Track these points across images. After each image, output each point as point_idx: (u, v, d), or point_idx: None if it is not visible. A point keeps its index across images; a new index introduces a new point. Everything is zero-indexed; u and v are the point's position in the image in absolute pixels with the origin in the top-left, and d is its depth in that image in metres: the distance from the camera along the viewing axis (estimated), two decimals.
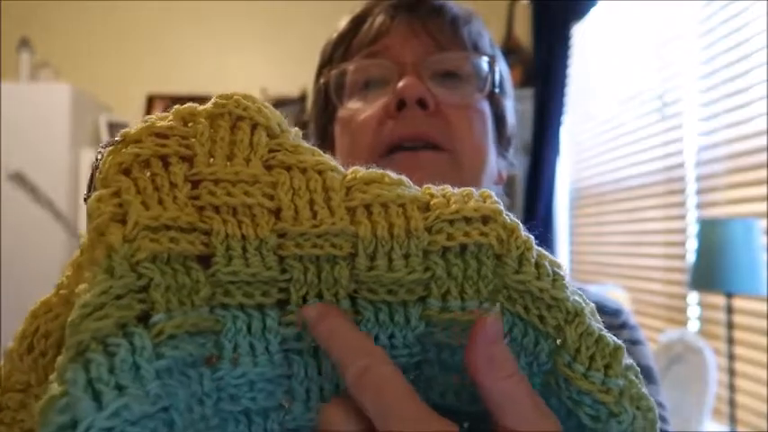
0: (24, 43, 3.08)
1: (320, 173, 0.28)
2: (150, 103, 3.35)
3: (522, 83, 3.01)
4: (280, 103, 3.24)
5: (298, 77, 3.10)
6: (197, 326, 0.26)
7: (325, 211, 0.27)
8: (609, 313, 0.56)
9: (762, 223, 1.51)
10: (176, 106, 0.29)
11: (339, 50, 0.56)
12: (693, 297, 1.89)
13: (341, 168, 0.29)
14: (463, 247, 0.27)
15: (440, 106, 0.52)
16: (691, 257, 1.65)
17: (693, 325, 1.87)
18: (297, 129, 0.30)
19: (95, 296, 0.23)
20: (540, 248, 0.28)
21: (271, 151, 0.28)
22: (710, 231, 1.53)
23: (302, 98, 3.19)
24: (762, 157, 1.58)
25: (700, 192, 1.88)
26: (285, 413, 0.27)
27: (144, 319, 0.24)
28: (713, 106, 1.81)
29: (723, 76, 1.76)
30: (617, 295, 2.09)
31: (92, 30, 3.38)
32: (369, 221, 0.27)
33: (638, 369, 0.27)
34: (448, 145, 0.51)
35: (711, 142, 1.82)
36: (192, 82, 3.35)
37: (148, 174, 0.27)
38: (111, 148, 0.28)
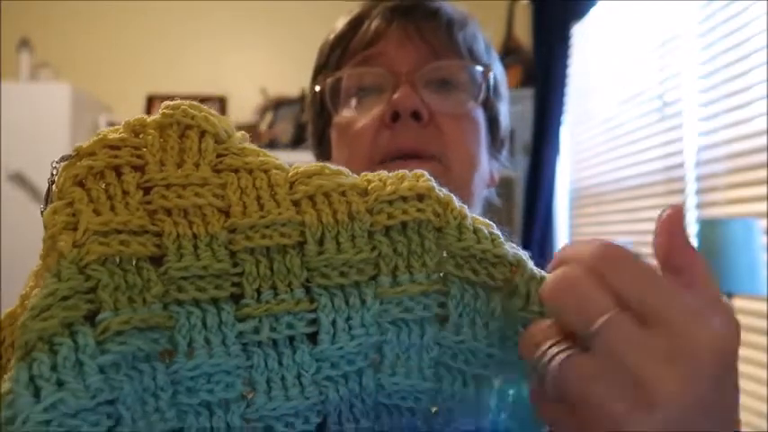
0: (24, 43, 3.08)
1: (265, 171, 0.30)
2: (150, 102, 3.35)
3: (522, 83, 3.01)
4: (280, 103, 3.25)
5: (298, 77, 3.10)
6: (147, 322, 0.27)
7: (272, 203, 0.29)
8: None
9: (762, 223, 1.51)
10: (126, 119, 0.30)
11: (335, 54, 0.57)
12: None
13: (286, 166, 0.31)
14: (404, 225, 0.30)
15: (433, 116, 0.53)
16: None
17: None
18: (243, 132, 0.33)
19: (42, 298, 0.25)
20: (473, 215, 0.30)
21: (219, 156, 0.30)
22: (710, 231, 1.53)
23: (302, 98, 3.19)
24: (762, 157, 1.58)
25: (700, 192, 1.88)
26: (247, 404, 0.28)
27: (93, 318, 0.26)
28: (713, 106, 1.81)
29: (723, 76, 1.76)
30: None
31: (92, 30, 3.38)
32: (314, 210, 0.29)
33: None
34: (439, 154, 0.53)
35: (711, 142, 1.82)
36: (192, 82, 3.35)
37: (103, 184, 0.28)
38: (65, 162, 0.29)
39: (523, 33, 3.11)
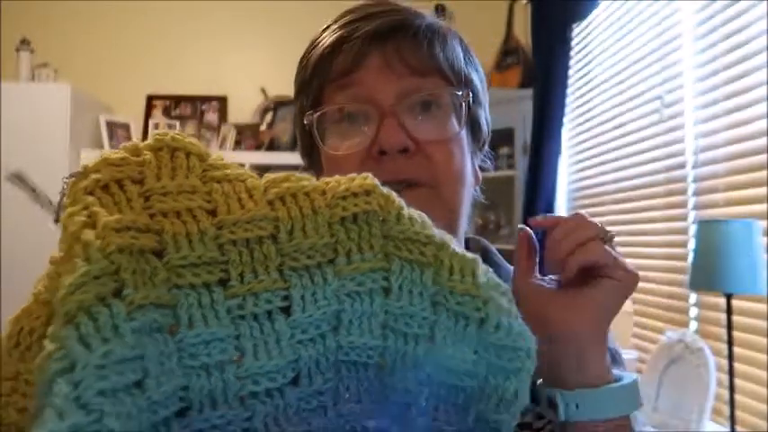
0: (24, 43, 3.08)
1: (242, 180, 0.38)
2: (150, 102, 3.35)
3: (522, 83, 3.01)
4: (280, 103, 3.25)
5: None
6: (158, 300, 0.33)
7: (251, 203, 0.36)
8: None
9: (761, 224, 1.51)
10: (123, 144, 0.37)
11: (317, 78, 0.58)
12: (693, 297, 1.89)
13: (256, 176, 0.38)
14: (355, 216, 0.38)
15: (420, 145, 0.55)
16: (691, 258, 1.65)
17: (693, 325, 1.88)
18: (219, 153, 0.39)
19: (78, 277, 0.30)
20: (408, 208, 0.39)
21: (203, 171, 0.37)
22: (710, 232, 1.53)
23: None
24: (761, 158, 1.58)
25: (699, 192, 1.88)
26: (237, 366, 0.35)
27: (117, 294, 0.31)
28: (713, 107, 1.81)
29: (723, 78, 1.76)
30: None
31: (92, 30, 3.38)
32: (284, 207, 0.37)
33: (491, 269, 0.39)
34: (429, 180, 0.56)
35: (711, 143, 1.82)
36: (192, 82, 3.35)
37: (108, 194, 0.35)
38: (74, 179, 0.35)
39: (523, 33, 3.11)
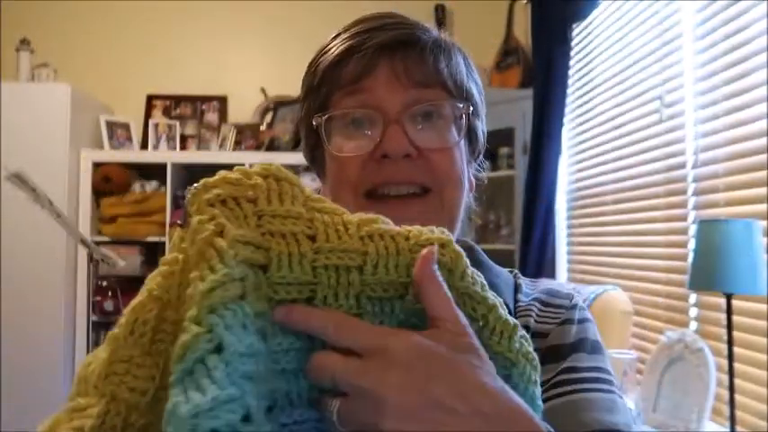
0: (24, 43, 3.08)
1: (339, 214, 0.43)
2: (150, 103, 3.35)
3: (522, 83, 3.01)
4: (280, 103, 3.25)
5: (298, 77, 3.09)
6: (263, 310, 0.38)
7: (346, 236, 0.41)
8: (563, 296, 0.66)
9: (761, 224, 1.51)
10: (236, 167, 0.42)
11: (326, 84, 0.62)
12: (693, 297, 1.89)
13: (348, 211, 0.43)
14: None
15: (421, 151, 0.59)
16: (691, 258, 1.65)
17: (693, 325, 1.87)
18: (311, 189, 0.44)
19: (220, 276, 0.35)
20: (471, 268, 0.44)
21: (305, 200, 0.42)
22: (710, 232, 1.53)
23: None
24: (762, 158, 1.58)
25: (699, 192, 1.88)
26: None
27: (244, 297, 0.36)
28: (713, 107, 1.81)
29: (723, 78, 1.76)
30: (617, 295, 2.09)
31: (92, 30, 3.38)
32: (373, 244, 0.42)
33: (528, 336, 0.44)
34: (431, 184, 0.60)
35: (711, 143, 1.82)
36: (192, 82, 3.36)
37: (227, 209, 0.39)
38: (195, 191, 0.40)
39: (523, 33, 3.11)
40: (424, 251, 0.42)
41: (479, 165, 0.70)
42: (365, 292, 0.41)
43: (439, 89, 0.60)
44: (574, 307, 0.65)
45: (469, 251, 0.65)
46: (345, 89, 0.60)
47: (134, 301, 0.41)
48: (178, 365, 0.33)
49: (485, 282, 0.44)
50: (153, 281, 0.42)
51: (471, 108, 0.63)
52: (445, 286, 0.41)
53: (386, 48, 0.59)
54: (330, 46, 0.63)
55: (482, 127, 0.67)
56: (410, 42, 0.60)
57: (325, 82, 0.62)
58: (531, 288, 0.69)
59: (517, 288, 0.67)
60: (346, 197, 0.60)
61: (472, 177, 0.67)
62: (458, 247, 0.44)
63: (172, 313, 0.40)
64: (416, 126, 0.60)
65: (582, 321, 0.64)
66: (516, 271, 0.71)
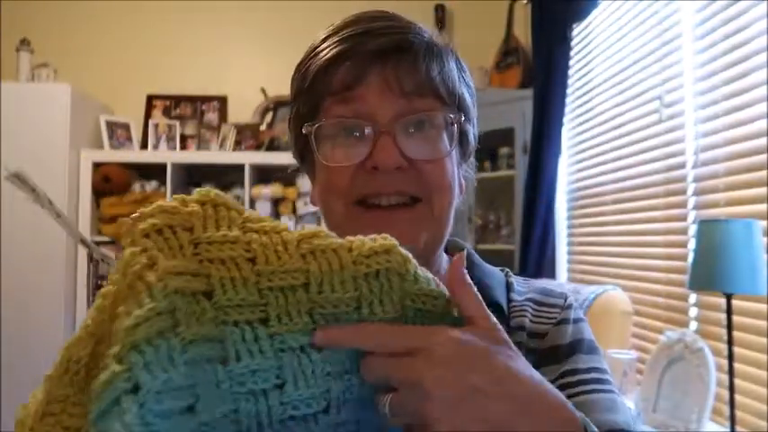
0: (24, 43, 3.08)
1: (278, 232, 0.43)
2: (150, 103, 3.35)
3: (522, 83, 3.01)
4: (279, 103, 3.25)
5: None
6: (207, 336, 0.38)
7: (286, 255, 0.42)
8: (556, 296, 0.67)
9: (761, 224, 1.51)
10: (174, 195, 0.43)
11: (314, 92, 0.60)
12: (693, 297, 1.89)
13: (290, 227, 0.43)
14: (377, 272, 0.43)
15: (413, 162, 0.58)
16: (691, 258, 1.65)
17: (693, 325, 1.87)
18: (251, 210, 0.45)
19: (145, 311, 0.36)
20: (419, 267, 0.44)
21: (242, 223, 0.43)
22: (710, 232, 1.53)
23: None
24: (762, 158, 1.58)
25: (699, 192, 1.88)
26: (281, 392, 0.40)
27: (173, 330, 0.37)
28: (713, 107, 1.81)
29: (723, 78, 1.76)
30: (617, 295, 2.09)
31: (92, 30, 3.38)
32: (315, 261, 0.42)
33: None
34: (421, 194, 0.59)
35: (711, 143, 1.82)
36: (192, 82, 3.36)
37: (163, 238, 0.40)
38: (130, 221, 0.40)
39: (523, 33, 3.11)
40: (455, 257, 0.45)
41: (469, 167, 0.69)
42: (316, 309, 0.42)
43: (431, 98, 0.59)
44: (569, 307, 0.66)
45: (461, 252, 0.67)
46: (336, 97, 0.59)
47: (70, 338, 0.41)
48: (95, 405, 0.34)
49: (430, 275, 0.45)
50: (90, 315, 0.42)
51: (463, 116, 0.62)
52: (475, 288, 0.44)
53: (378, 54, 0.58)
54: (321, 48, 0.61)
55: (474, 131, 0.66)
56: (403, 48, 0.58)
57: (315, 86, 0.60)
58: (524, 287, 0.69)
59: (509, 287, 0.68)
60: (336, 205, 0.60)
61: (463, 180, 0.66)
62: (404, 251, 0.44)
63: (105, 348, 0.39)
64: (408, 136, 0.58)
65: (577, 321, 0.65)
66: (507, 270, 0.71)
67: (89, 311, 0.42)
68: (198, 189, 0.44)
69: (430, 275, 0.45)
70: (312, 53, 0.62)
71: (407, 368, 0.40)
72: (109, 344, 0.38)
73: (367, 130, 0.58)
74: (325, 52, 0.60)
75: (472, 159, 0.69)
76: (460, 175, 0.65)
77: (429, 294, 0.44)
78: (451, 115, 0.60)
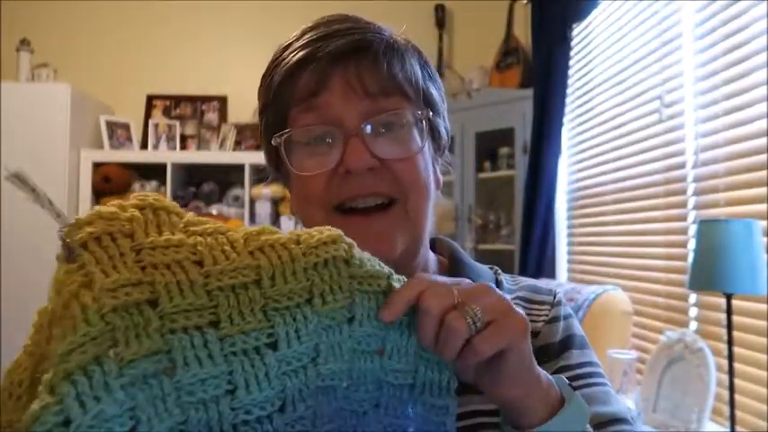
0: (24, 43, 3.08)
1: (222, 233, 0.42)
2: (150, 103, 3.35)
3: (522, 83, 3.01)
4: None
5: None
6: (150, 349, 0.37)
7: (234, 254, 0.41)
8: (545, 292, 0.68)
9: (761, 224, 1.51)
10: (111, 201, 0.41)
11: (279, 102, 0.61)
12: (693, 297, 1.89)
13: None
14: (326, 261, 0.43)
15: (384, 162, 0.58)
16: (691, 258, 1.65)
17: (693, 325, 1.87)
18: (191, 212, 0.44)
19: (79, 338, 0.34)
20: (362, 251, 0.46)
21: (185, 226, 0.42)
22: (710, 232, 1.53)
23: None
24: (762, 158, 1.58)
25: (699, 192, 1.88)
26: (231, 398, 0.39)
27: (112, 349, 0.36)
28: (713, 107, 1.81)
29: (723, 78, 1.76)
30: (617, 295, 2.09)
31: (92, 30, 3.38)
32: (265, 256, 0.42)
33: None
34: (396, 194, 0.59)
35: (711, 143, 1.82)
36: (192, 82, 3.36)
37: (101, 247, 0.38)
38: (68, 229, 0.39)
39: (523, 33, 3.11)
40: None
41: (445, 161, 0.69)
42: (269, 304, 0.41)
43: (396, 96, 0.59)
44: (559, 303, 0.67)
45: (450, 252, 0.69)
46: (301, 106, 0.59)
47: (12, 361, 0.40)
48: None
49: (373, 257, 0.46)
50: (29, 334, 0.41)
51: (431, 111, 0.62)
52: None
53: (338, 56, 0.58)
54: (282, 57, 0.61)
55: (444, 124, 0.66)
56: (362, 48, 0.58)
57: (280, 96, 0.60)
58: (513, 284, 0.69)
59: (499, 285, 0.68)
60: (314, 213, 0.60)
61: (439, 175, 0.66)
62: (348, 239, 0.45)
63: (47, 367, 0.37)
64: (377, 137, 0.58)
65: (567, 317, 0.66)
66: (496, 267, 0.71)
67: (30, 330, 0.41)
68: (134, 194, 0.42)
69: (371, 258, 0.46)
70: (275, 63, 0.62)
71: (496, 331, 0.43)
72: (49, 364, 0.37)
73: (335, 136, 0.58)
74: (286, 60, 0.60)
75: (447, 153, 0.69)
76: (437, 170, 0.65)
77: (375, 276, 0.44)
78: (419, 112, 0.60)
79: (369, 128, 0.58)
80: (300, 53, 0.59)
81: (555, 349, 0.63)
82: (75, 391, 0.33)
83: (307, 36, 0.60)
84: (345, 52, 0.58)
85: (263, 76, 0.64)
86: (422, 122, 0.61)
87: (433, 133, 0.64)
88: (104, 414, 0.34)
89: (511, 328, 0.44)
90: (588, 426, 0.50)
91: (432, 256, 0.69)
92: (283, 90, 0.60)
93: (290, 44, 0.62)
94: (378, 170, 0.58)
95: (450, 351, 0.43)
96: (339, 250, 0.44)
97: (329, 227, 0.45)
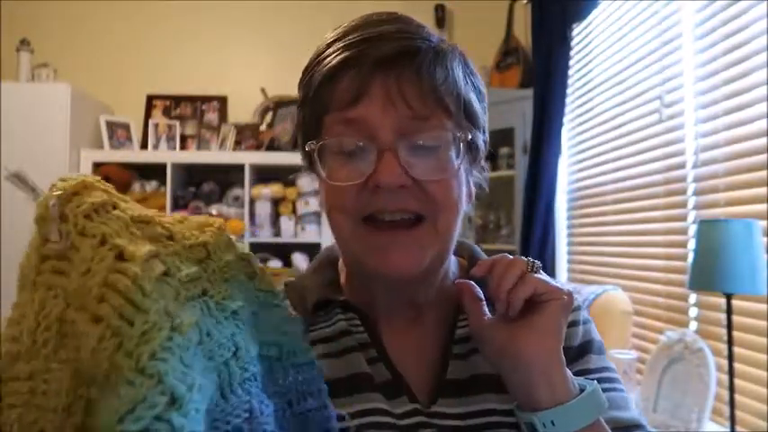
0: (24, 43, 3.08)
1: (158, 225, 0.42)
2: (150, 103, 3.35)
3: (522, 83, 3.01)
4: (280, 103, 3.25)
5: (297, 78, 3.08)
6: (195, 316, 0.38)
7: (187, 231, 0.43)
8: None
9: (761, 224, 1.51)
10: (67, 174, 0.41)
11: (318, 104, 0.59)
12: (693, 297, 1.89)
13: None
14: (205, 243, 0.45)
15: (417, 181, 0.57)
16: (691, 258, 1.65)
17: (693, 325, 1.87)
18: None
19: (153, 315, 0.34)
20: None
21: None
22: (710, 232, 1.53)
23: None
24: (762, 158, 1.58)
25: (699, 192, 1.88)
26: (236, 358, 0.41)
27: (172, 323, 0.36)
28: (713, 107, 1.81)
29: (723, 78, 1.76)
30: (617, 295, 2.09)
31: (92, 30, 3.38)
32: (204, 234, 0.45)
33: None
34: (426, 212, 0.58)
35: (711, 143, 1.82)
36: (192, 82, 3.35)
37: (106, 219, 0.38)
38: (59, 200, 0.39)
39: (523, 33, 3.11)
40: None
41: (480, 169, 0.67)
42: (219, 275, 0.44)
43: (437, 111, 0.57)
44: (578, 308, 0.66)
45: (470, 256, 0.70)
46: (338, 114, 0.57)
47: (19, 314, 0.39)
48: (126, 426, 0.31)
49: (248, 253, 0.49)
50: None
51: (471, 124, 0.60)
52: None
53: (382, 63, 0.55)
54: (325, 54, 0.59)
55: (483, 136, 0.63)
56: (408, 54, 0.56)
57: (318, 98, 0.59)
58: None
59: None
60: (342, 223, 0.59)
61: (472, 187, 0.65)
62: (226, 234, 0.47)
63: (23, 365, 0.36)
64: (412, 155, 0.57)
65: (586, 323, 0.67)
66: None
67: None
68: (60, 177, 0.41)
69: (246, 252, 0.49)
70: (317, 59, 0.60)
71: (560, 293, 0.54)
72: (30, 360, 0.35)
73: (369, 148, 0.57)
74: (329, 60, 0.58)
75: (483, 163, 0.66)
76: (470, 182, 0.64)
77: (242, 257, 0.47)
78: (459, 133, 0.58)
79: (404, 145, 0.56)
80: (343, 54, 0.57)
81: (573, 353, 0.63)
82: (167, 367, 0.33)
83: (352, 36, 0.58)
84: (390, 58, 0.56)
85: (305, 70, 0.62)
86: (460, 141, 0.58)
87: (471, 147, 0.61)
88: (199, 386, 0.35)
89: (558, 291, 0.53)
90: (603, 421, 0.53)
91: (453, 259, 0.68)
92: (322, 92, 0.58)
93: (334, 41, 0.59)
94: (410, 188, 0.57)
95: (508, 281, 0.52)
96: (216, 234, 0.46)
97: (207, 216, 0.48)
